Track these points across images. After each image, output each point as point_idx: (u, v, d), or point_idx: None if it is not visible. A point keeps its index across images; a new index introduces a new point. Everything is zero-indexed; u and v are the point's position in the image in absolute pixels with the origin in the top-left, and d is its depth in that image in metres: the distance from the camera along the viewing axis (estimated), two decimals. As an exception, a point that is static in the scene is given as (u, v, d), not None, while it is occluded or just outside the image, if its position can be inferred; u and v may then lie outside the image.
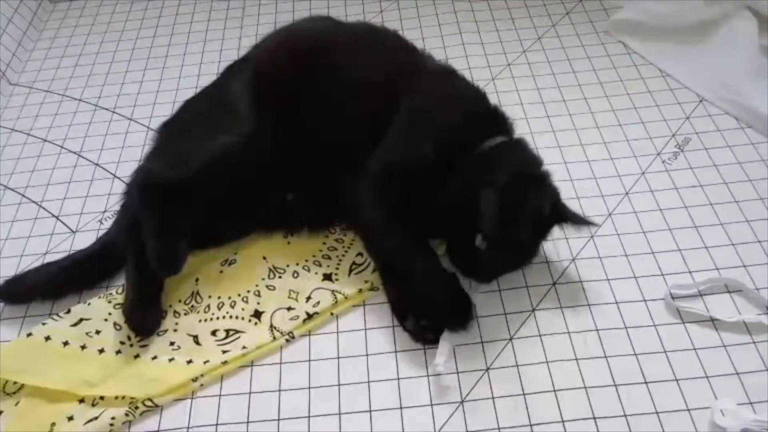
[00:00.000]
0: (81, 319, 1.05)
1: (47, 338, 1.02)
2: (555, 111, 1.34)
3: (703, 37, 1.44)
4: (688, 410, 0.90)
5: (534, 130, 1.30)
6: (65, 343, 1.02)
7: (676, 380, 0.93)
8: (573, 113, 1.33)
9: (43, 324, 1.05)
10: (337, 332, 1.03)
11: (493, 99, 1.34)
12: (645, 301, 1.02)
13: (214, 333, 1.03)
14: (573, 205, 1.14)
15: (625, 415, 0.90)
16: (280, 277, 1.10)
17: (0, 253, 1.19)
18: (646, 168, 1.22)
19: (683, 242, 1.10)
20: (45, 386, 0.98)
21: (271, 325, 1.03)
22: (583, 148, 1.26)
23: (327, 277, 1.09)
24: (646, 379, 0.93)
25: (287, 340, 1.02)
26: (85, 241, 1.17)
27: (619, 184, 1.19)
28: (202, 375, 0.98)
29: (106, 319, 1.05)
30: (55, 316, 1.06)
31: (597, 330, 0.99)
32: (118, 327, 1.04)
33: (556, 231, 1.11)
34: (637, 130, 1.29)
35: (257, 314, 1.05)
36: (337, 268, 1.10)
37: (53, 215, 1.24)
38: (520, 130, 1.28)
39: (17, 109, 1.51)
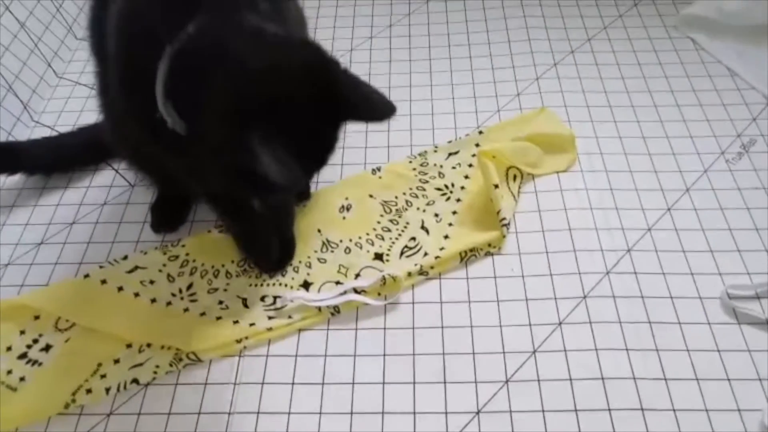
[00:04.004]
0: (136, 267, 1.07)
1: (103, 281, 1.05)
2: (617, 101, 1.32)
3: (773, 39, 1.40)
4: (739, 411, 0.88)
5: (595, 119, 1.28)
6: (120, 289, 1.04)
7: (728, 380, 0.91)
8: (636, 105, 1.31)
9: (101, 267, 1.07)
10: (385, 303, 1.03)
11: (555, 85, 1.36)
12: (700, 298, 1.00)
13: (262, 299, 1.04)
14: (632, 196, 1.14)
15: (674, 410, 0.88)
16: (332, 251, 1.10)
17: (60, 201, 1.22)
18: (708, 166, 1.19)
19: (743, 243, 1.07)
20: (95, 327, 1.00)
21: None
22: (644, 141, 1.24)
23: (378, 256, 1.09)
24: (697, 375, 0.92)
25: (332, 314, 1.02)
26: (142, 196, 1.20)
27: (680, 180, 1.17)
28: (246, 337, 0.99)
29: (160, 270, 1.07)
30: (112, 261, 1.08)
31: (650, 322, 0.97)
32: (171, 279, 1.06)
33: (611, 220, 1.10)
34: (701, 127, 1.26)
35: (305, 285, 1.06)
36: (389, 250, 1.09)
37: (113, 168, 1.26)
38: (580, 118, 1.29)
39: (81, 63, 1.53)
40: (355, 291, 1.03)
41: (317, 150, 0.77)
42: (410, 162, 1.23)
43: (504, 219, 1.08)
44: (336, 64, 0.77)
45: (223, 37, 0.73)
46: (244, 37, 0.74)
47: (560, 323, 0.98)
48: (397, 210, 1.15)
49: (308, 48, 0.77)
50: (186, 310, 1.03)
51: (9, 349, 0.99)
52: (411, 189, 1.18)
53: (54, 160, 1.25)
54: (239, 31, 0.75)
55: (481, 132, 1.26)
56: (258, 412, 0.92)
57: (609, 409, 0.89)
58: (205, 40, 0.73)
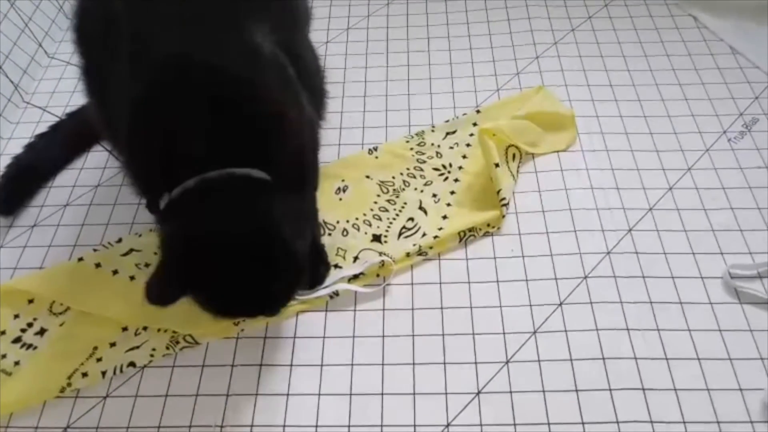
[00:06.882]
0: (131, 250, 1.06)
1: (98, 265, 1.03)
2: (618, 80, 1.30)
3: (776, 17, 1.38)
4: (740, 390, 0.88)
5: (596, 98, 1.26)
6: (115, 272, 1.03)
7: (730, 359, 0.91)
8: (637, 84, 1.29)
9: (95, 250, 1.06)
10: (383, 285, 1.02)
11: (555, 63, 1.34)
12: (702, 278, 0.99)
13: None
14: (633, 175, 1.13)
15: (675, 389, 0.88)
16: (329, 234, 1.08)
17: (52, 183, 1.20)
18: (710, 145, 1.17)
19: (745, 223, 1.06)
20: (91, 311, 0.99)
21: None
22: (646, 120, 1.22)
23: (376, 238, 1.07)
24: (698, 355, 0.91)
25: (331, 297, 1.01)
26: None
27: (681, 159, 1.15)
28: (244, 320, 0.98)
29: (155, 253, 1.05)
30: (106, 244, 1.07)
31: (651, 302, 0.97)
32: (167, 261, 1.05)
33: (612, 200, 1.09)
34: (703, 106, 1.24)
35: None
36: (387, 230, 1.08)
37: (106, 149, 1.24)
38: (581, 97, 1.27)
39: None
40: (353, 275, 1.01)
41: (238, 303, 0.82)
42: (407, 142, 1.21)
43: (504, 199, 1.07)
44: (288, 246, 0.78)
45: (198, 203, 0.78)
46: (214, 203, 0.78)
47: (561, 303, 0.98)
48: (394, 190, 1.13)
49: (269, 233, 0.78)
50: (182, 292, 1.02)
51: (3, 333, 0.98)
52: (408, 169, 1.16)
53: (61, 159, 1.23)
54: (217, 198, 0.79)
55: (478, 111, 1.24)
56: (256, 394, 0.91)
57: (610, 389, 0.88)
58: (194, 197, 0.78)
